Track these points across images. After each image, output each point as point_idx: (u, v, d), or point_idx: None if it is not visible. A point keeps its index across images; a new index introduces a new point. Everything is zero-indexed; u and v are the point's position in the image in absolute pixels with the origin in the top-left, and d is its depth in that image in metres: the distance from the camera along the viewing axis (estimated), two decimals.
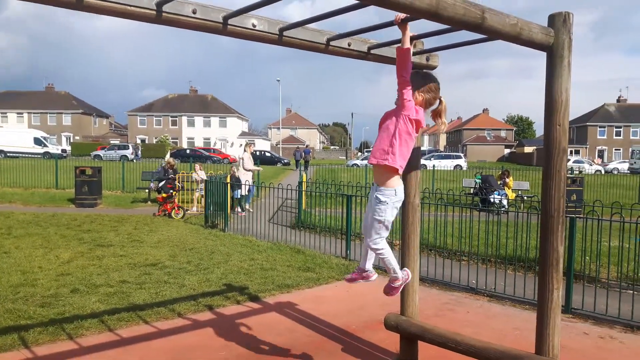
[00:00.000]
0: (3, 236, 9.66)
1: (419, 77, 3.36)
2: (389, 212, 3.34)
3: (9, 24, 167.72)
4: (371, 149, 3.44)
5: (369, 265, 3.82)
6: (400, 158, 3.25)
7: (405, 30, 3.10)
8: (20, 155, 42.24)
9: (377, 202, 3.32)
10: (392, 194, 3.30)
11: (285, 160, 51.65)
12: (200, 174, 15.18)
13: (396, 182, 3.32)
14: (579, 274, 6.52)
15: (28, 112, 73.96)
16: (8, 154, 44.02)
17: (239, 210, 13.62)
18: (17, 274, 6.86)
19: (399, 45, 3.16)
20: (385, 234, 3.43)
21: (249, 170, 14.59)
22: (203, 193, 14.29)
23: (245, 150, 14.97)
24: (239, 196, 13.88)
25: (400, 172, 3.32)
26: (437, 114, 3.43)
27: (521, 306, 6.09)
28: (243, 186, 13.62)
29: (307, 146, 52.05)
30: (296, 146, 56.28)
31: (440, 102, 3.38)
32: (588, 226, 6.26)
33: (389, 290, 3.81)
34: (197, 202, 14.36)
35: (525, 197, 16.04)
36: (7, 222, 11.37)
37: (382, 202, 3.31)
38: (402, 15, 3.13)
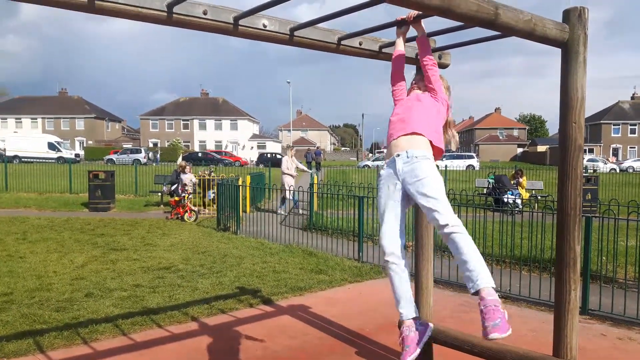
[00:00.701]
0: (18, 241, 9.75)
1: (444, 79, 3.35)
2: (437, 171, 2.87)
3: (23, 29, 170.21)
4: (403, 119, 2.98)
5: (416, 311, 2.97)
6: (441, 137, 3.05)
7: (419, 26, 3.14)
8: (35, 160, 42.76)
9: (420, 160, 2.74)
10: (432, 158, 2.89)
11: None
12: (186, 176, 14.21)
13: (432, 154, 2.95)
14: (595, 274, 6.42)
15: (42, 117, 74.89)
16: (23, 159, 44.62)
17: (282, 211, 13.60)
18: (33, 278, 6.92)
19: (420, 36, 3.18)
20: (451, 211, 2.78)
21: (288, 174, 14.39)
22: (190, 197, 14.33)
23: (286, 154, 14.94)
24: (210, 197, 13.90)
25: (442, 150, 3.03)
26: (446, 125, 3.23)
27: (537, 307, 6.01)
28: (287, 191, 13.52)
29: (317, 148, 52.13)
30: (307, 148, 56.43)
31: (448, 109, 3.21)
32: (604, 226, 6.16)
33: (407, 341, 2.85)
34: (190, 209, 13.36)
35: (539, 197, 15.88)
36: (22, 227, 11.49)
37: (427, 158, 2.80)
38: (414, 13, 3.10)
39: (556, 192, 3.30)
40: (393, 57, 3.26)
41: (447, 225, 2.62)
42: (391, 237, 2.82)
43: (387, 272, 2.86)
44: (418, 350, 2.73)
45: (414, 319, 2.84)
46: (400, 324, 2.87)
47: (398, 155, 2.84)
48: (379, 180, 2.95)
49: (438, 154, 2.96)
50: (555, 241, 3.33)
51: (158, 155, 52.14)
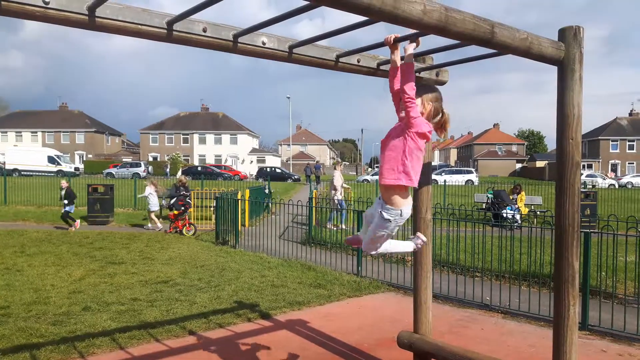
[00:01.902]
0: (16, 254, 9.73)
1: (426, 88, 3.33)
2: (391, 229, 3.30)
3: (25, 45, 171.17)
4: (381, 170, 3.36)
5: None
6: (409, 175, 3.17)
7: (396, 50, 3.08)
8: (34, 173, 42.76)
9: (381, 219, 3.27)
10: (398, 215, 3.22)
11: (296, 177, 51.75)
12: (148, 189, 14.59)
13: (403, 202, 3.24)
14: (595, 289, 6.41)
15: (42, 131, 75.07)
16: (22, 172, 44.60)
17: (331, 225, 13.38)
18: (30, 291, 6.89)
19: (402, 62, 3.09)
20: (384, 240, 3.39)
21: (336, 189, 14.42)
22: (155, 209, 14.49)
23: (335, 169, 15.07)
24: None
25: (414, 186, 3.24)
26: (441, 126, 3.37)
27: (536, 323, 5.99)
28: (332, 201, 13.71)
29: (317, 162, 52.52)
30: (306, 162, 56.62)
31: (444, 113, 3.33)
32: (603, 241, 6.16)
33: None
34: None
35: (538, 212, 15.88)
36: (20, 240, 11.47)
37: (386, 220, 3.25)
38: (392, 37, 3.10)
39: (555, 207, 3.31)
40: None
41: (366, 249, 3.41)
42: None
43: (383, 247, 3.43)
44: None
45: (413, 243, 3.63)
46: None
47: (380, 198, 3.35)
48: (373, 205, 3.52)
49: (403, 190, 3.22)
50: (554, 256, 3.34)
51: (168, 170, 52.23)
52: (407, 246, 3.58)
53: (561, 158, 3.19)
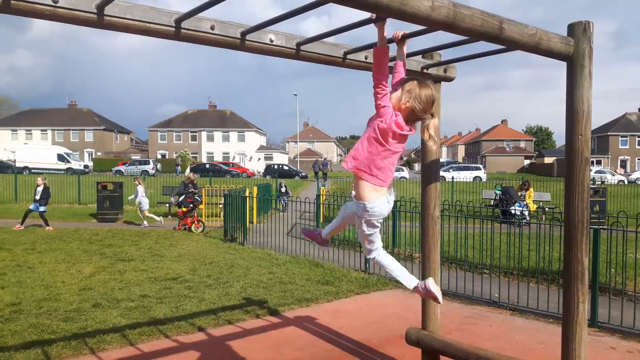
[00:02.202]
0: (27, 251, 9.82)
1: (414, 84, 2.97)
2: (364, 227, 3.10)
3: (34, 44, 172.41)
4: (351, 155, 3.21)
5: (325, 233, 3.82)
6: (366, 166, 2.92)
7: (382, 30, 2.85)
8: (44, 171, 43.08)
9: (361, 214, 3.08)
10: (362, 208, 3.01)
11: (303, 173, 51.79)
12: (140, 190, 14.55)
13: (369, 196, 2.98)
14: (604, 286, 6.38)
15: (52, 129, 75.56)
16: (32, 170, 44.96)
17: None
18: (41, 288, 6.96)
19: (376, 46, 2.90)
20: (375, 245, 3.17)
21: None
22: (147, 208, 14.45)
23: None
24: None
25: (371, 181, 2.95)
26: (424, 129, 3.05)
27: (545, 320, 5.97)
28: None
29: (324, 159, 52.69)
30: (314, 159, 56.78)
31: (432, 116, 3.00)
32: (612, 238, 6.12)
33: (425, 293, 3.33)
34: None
35: (546, 208, 15.80)
36: (31, 238, 11.57)
37: (357, 215, 3.11)
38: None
39: (564, 204, 3.30)
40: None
41: (366, 254, 3.32)
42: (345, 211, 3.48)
43: (379, 261, 3.30)
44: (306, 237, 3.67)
45: (419, 286, 3.31)
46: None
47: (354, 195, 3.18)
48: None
49: (363, 180, 3.02)
50: (563, 253, 3.32)
51: (179, 167, 52.39)
52: (408, 279, 3.26)
53: (570, 154, 3.18)
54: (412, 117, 2.94)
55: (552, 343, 4.95)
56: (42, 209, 13.41)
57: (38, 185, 13.81)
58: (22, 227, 13.24)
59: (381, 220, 3.12)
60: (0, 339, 4.97)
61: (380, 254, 3.25)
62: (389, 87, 2.93)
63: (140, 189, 14.57)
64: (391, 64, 3.05)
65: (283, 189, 19.65)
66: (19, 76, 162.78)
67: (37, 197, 13.55)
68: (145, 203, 14.51)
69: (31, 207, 13.60)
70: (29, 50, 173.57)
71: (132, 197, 14.91)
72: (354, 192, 3.18)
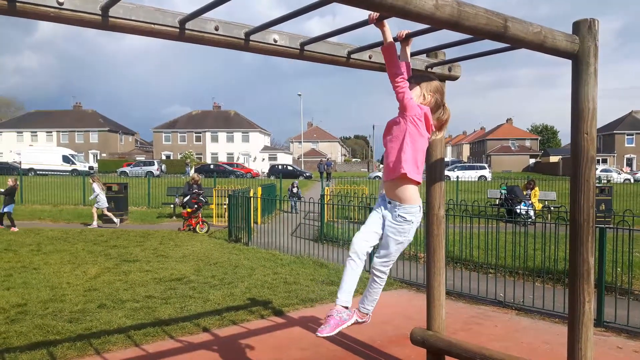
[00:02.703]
0: (33, 252, 9.86)
1: (424, 77, 3.14)
2: (413, 232, 3.02)
3: (39, 46, 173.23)
4: (386, 161, 3.10)
5: (371, 307, 3.46)
6: (414, 165, 2.90)
7: (383, 27, 2.84)
8: (50, 172, 43.30)
9: (402, 222, 2.97)
10: (418, 212, 2.98)
11: (307, 174, 51.82)
12: (96, 188, 14.49)
13: (419, 197, 3.00)
14: (610, 286, 6.35)
15: (57, 131, 75.90)
16: (38, 172, 45.18)
17: None
18: (46, 289, 6.99)
19: (384, 45, 2.90)
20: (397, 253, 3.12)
21: None
22: (105, 206, 14.39)
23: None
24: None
25: (420, 181, 2.97)
26: (440, 124, 3.14)
27: (551, 319, 5.94)
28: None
29: (328, 159, 52.98)
30: (319, 159, 56.97)
31: (445, 108, 3.12)
32: (619, 237, 6.09)
33: (337, 320, 3.13)
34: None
35: (552, 208, 15.74)
36: (36, 239, 11.62)
37: (409, 222, 2.98)
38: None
39: (569, 203, 3.28)
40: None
41: (380, 272, 3.27)
42: (361, 240, 3.11)
43: (346, 264, 3.16)
44: (332, 333, 3.09)
45: (345, 307, 3.17)
46: (337, 307, 3.19)
47: (389, 202, 3.07)
48: (378, 202, 3.22)
49: (412, 183, 3.00)
50: (569, 252, 3.31)
51: (189, 168, 52.55)
52: (348, 296, 3.20)
53: (576, 153, 3.16)
54: (434, 109, 3.07)
55: (558, 343, 4.93)
56: (6, 209, 13.46)
57: (9, 186, 13.87)
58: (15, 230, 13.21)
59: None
60: (6, 340, 4.99)
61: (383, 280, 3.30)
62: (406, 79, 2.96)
63: (96, 187, 14.47)
64: None
65: (295, 189, 19.32)
66: (25, 78, 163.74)
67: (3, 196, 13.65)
68: (103, 201, 14.46)
69: (4, 209, 13.52)
70: (35, 52, 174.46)
71: (92, 197, 14.85)
72: (391, 206, 3.05)
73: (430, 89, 3.04)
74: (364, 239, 3.09)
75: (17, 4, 2.25)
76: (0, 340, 5.00)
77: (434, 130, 3.12)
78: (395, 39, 3.06)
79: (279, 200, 17.65)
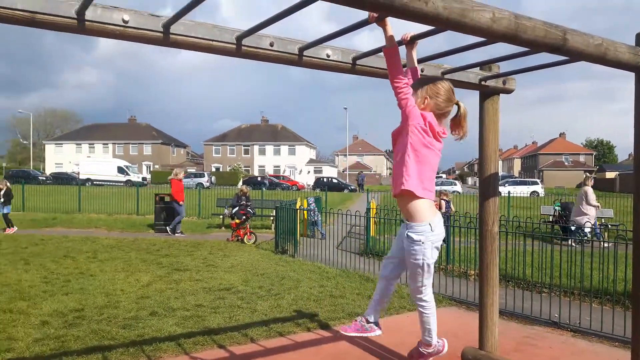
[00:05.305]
0: (89, 259, 10.27)
1: (428, 80, 2.98)
2: (428, 253, 2.81)
3: (99, 62, 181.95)
4: (393, 174, 3.00)
5: (375, 317, 3.41)
6: (418, 180, 2.69)
7: (385, 27, 2.69)
8: (105, 183, 45.10)
9: (411, 243, 2.79)
10: (428, 230, 2.75)
11: (352, 187, 51.78)
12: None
13: (428, 214, 2.75)
14: None
15: (113, 143, 79.18)
16: (94, 182, 47.15)
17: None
18: (102, 295, 7.25)
19: (385, 46, 2.77)
20: (430, 280, 2.95)
21: (593, 206, 12.59)
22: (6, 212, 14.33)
23: (586, 184, 12.91)
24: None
25: (426, 196, 2.73)
26: (456, 123, 2.97)
27: (610, 343, 5.65)
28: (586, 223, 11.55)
29: (360, 172, 57.01)
30: (358, 171, 59.71)
31: (459, 106, 2.94)
32: None
33: (416, 355, 3.39)
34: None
35: (609, 225, 15.04)
36: (93, 247, 12.10)
37: (416, 242, 2.78)
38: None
39: (629, 221, 3.13)
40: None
41: (417, 299, 3.20)
42: (386, 262, 3.30)
43: (431, 296, 3.24)
44: (353, 334, 3.37)
45: (367, 319, 3.39)
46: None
47: (402, 221, 3.09)
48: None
49: (416, 198, 2.82)
50: (630, 273, 3.15)
51: (240, 183, 53.66)
52: (435, 329, 3.30)
53: (639, 169, 3.02)
54: (439, 113, 2.87)
55: None
56: (5, 210, 14.07)
57: (1, 190, 14.38)
58: (12, 232, 13.92)
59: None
60: (64, 344, 5.20)
61: (432, 297, 3.18)
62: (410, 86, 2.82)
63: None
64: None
65: (314, 218, 14.68)
66: (84, 93, 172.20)
67: (2, 200, 14.21)
68: (6, 208, 14.72)
69: (3, 211, 14.17)
70: (95, 68, 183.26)
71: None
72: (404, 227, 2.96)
73: (429, 93, 2.85)
74: (388, 261, 3.23)
75: (87, 22, 2.37)
76: (59, 343, 5.21)
77: (455, 133, 2.97)
78: (400, 43, 2.91)
79: (325, 213, 17.65)
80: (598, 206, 12.77)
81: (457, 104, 2.94)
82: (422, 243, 2.79)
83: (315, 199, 19.30)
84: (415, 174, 2.70)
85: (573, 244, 8.23)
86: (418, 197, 2.74)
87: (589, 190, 12.50)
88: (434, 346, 3.30)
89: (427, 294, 3.07)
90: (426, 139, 2.71)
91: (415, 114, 2.70)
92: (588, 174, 13.49)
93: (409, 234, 2.81)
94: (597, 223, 13.53)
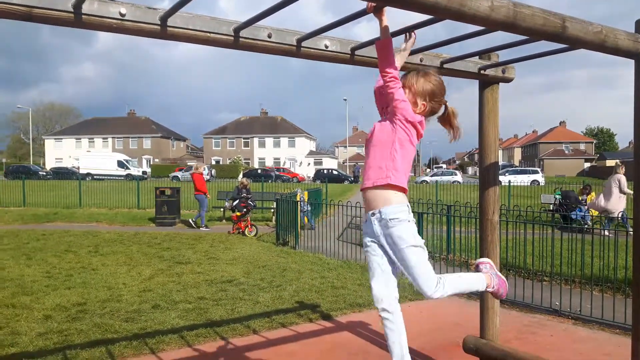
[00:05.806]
0: (91, 254, 10.30)
1: (420, 78, 2.78)
2: (416, 232, 2.67)
3: (97, 56, 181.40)
4: (365, 172, 2.80)
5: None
6: (404, 174, 2.66)
7: (382, 17, 2.58)
8: (105, 177, 45.12)
9: (397, 223, 2.61)
10: (408, 211, 2.66)
11: (352, 178, 51.84)
12: None
13: (402, 198, 2.67)
14: None
15: (112, 137, 79.13)
16: (95, 177, 47.17)
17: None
18: (104, 289, 7.28)
19: (379, 37, 2.66)
20: (433, 272, 2.67)
21: (626, 194, 11.83)
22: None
23: (617, 172, 12.29)
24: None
25: (406, 192, 2.68)
26: (445, 121, 2.90)
27: (611, 330, 5.68)
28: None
29: (356, 163, 56.81)
30: (355, 163, 59.78)
31: (446, 107, 2.87)
32: None
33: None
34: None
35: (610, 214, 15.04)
36: (94, 241, 12.13)
37: (405, 220, 2.63)
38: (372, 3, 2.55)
39: (629, 208, 3.14)
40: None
41: (430, 292, 2.71)
42: (379, 286, 2.84)
43: (382, 324, 2.91)
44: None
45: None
46: None
47: (372, 214, 2.72)
48: (363, 236, 2.90)
49: (397, 190, 2.68)
50: (630, 261, 3.16)
51: (241, 176, 53.77)
52: (480, 283, 2.90)
53: (638, 157, 3.02)
54: (430, 114, 2.83)
55: (619, 355, 4.71)
56: None
57: None
58: None
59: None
60: (67, 337, 5.22)
61: (447, 281, 2.74)
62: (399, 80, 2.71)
63: None
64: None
65: (305, 207, 13.97)
66: (83, 87, 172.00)
67: None
68: None
69: None
70: (93, 63, 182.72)
71: None
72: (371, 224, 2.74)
73: (427, 96, 2.75)
74: (380, 284, 2.79)
75: (83, 16, 2.36)
76: (63, 337, 5.24)
77: (451, 134, 2.91)
78: (393, 35, 2.84)
79: (325, 205, 17.69)
80: (631, 193, 12.70)
81: (446, 105, 2.87)
82: (410, 221, 2.66)
83: (315, 191, 19.35)
84: (402, 169, 2.65)
85: (607, 234, 8.13)
86: (400, 190, 2.68)
87: (623, 178, 12.08)
88: (490, 279, 2.97)
89: (435, 284, 2.69)
90: (413, 137, 2.67)
91: (407, 109, 2.63)
92: (619, 162, 13.24)
93: (392, 216, 2.61)
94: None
